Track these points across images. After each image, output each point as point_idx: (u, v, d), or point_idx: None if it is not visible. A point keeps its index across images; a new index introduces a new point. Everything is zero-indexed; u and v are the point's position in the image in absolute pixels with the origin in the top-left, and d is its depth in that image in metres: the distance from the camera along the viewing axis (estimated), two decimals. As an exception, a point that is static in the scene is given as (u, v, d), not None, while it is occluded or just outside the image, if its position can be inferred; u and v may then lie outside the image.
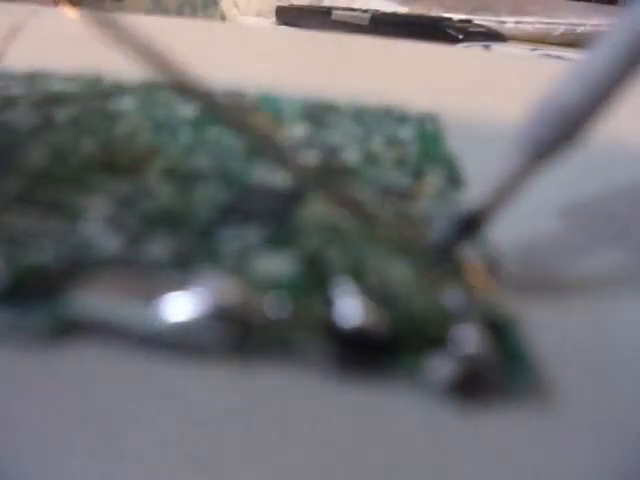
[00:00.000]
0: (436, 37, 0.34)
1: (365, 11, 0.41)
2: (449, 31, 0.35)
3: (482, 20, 0.40)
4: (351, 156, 0.13)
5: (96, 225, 0.09)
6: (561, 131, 0.09)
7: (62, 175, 0.11)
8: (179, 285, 0.08)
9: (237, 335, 0.07)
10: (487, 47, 0.32)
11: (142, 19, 0.31)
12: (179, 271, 0.08)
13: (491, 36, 0.36)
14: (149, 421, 0.06)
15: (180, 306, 0.07)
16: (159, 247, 0.09)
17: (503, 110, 0.18)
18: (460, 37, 0.35)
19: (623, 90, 0.09)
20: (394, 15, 0.42)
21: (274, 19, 0.47)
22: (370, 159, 0.13)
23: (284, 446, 0.06)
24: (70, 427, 0.06)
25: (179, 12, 0.44)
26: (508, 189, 0.09)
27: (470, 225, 0.09)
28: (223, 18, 0.48)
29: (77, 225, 0.09)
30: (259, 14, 0.49)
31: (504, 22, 0.42)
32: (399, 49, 0.27)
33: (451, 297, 0.08)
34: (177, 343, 0.07)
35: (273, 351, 0.07)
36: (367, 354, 0.07)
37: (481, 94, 0.20)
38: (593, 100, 0.09)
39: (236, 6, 0.49)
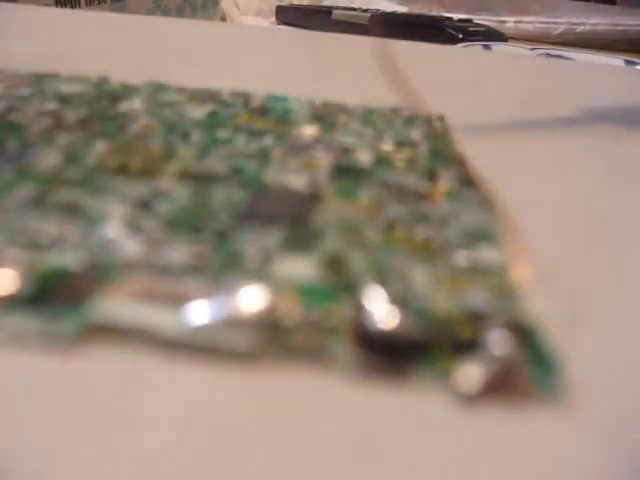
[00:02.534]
0: (436, 37, 0.34)
1: (365, 11, 0.41)
2: (449, 30, 0.35)
3: (482, 20, 0.40)
4: (363, 157, 0.13)
5: (115, 228, 0.09)
6: None
7: (76, 177, 0.11)
8: (204, 289, 0.08)
9: (264, 339, 0.07)
10: (487, 46, 0.32)
11: (142, 19, 0.32)
12: (201, 275, 0.08)
13: (491, 35, 0.36)
14: (175, 426, 0.06)
15: (206, 310, 0.07)
16: (179, 251, 0.09)
17: (504, 109, 0.18)
18: (460, 36, 0.35)
19: None
20: (394, 15, 0.42)
21: (274, 19, 0.47)
22: (382, 160, 0.13)
23: (312, 450, 0.06)
24: (95, 431, 0.06)
25: (179, 12, 0.44)
26: None
27: None
28: (223, 18, 0.48)
29: (96, 229, 0.09)
30: (259, 14, 0.49)
31: (504, 21, 0.42)
32: (399, 49, 0.27)
33: (475, 298, 0.08)
34: (204, 347, 0.07)
35: (301, 355, 0.07)
36: (397, 359, 0.07)
37: (481, 93, 0.20)
38: None
39: (236, 6, 0.49)
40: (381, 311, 0.08)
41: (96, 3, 0.37)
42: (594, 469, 0.06)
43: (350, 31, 0.34)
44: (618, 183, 0.14)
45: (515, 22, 0.42)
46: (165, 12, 0.42)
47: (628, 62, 0.31)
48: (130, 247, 0.09)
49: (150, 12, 0.41)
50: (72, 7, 0.35)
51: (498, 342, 0.07)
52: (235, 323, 0.07)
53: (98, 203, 0.10)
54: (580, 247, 0.11)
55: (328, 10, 0.43)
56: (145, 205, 0.10)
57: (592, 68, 0.27)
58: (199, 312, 0.07)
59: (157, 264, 0.08)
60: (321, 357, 0.07)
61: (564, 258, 0.10)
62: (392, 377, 0.07)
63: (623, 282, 0.10)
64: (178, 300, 0.08)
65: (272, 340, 0.07)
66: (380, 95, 0.17)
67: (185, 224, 0.10)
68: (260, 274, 0.08)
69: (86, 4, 0.36)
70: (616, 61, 0.31)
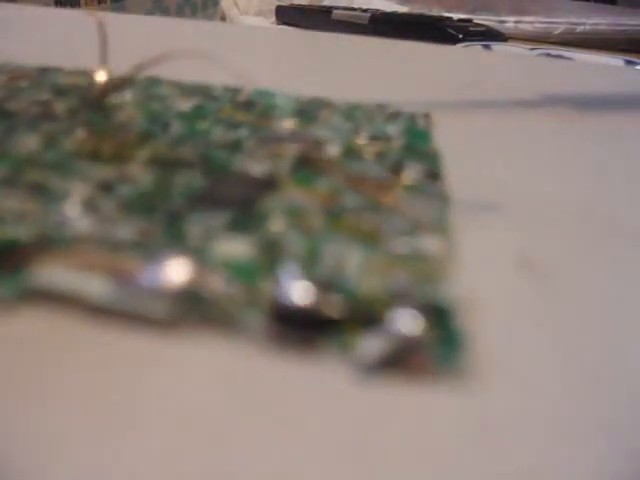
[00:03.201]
0: (436, 37, 0.34)
1: (365, 11, 0.41)
2: (449, 30, 0.35)
3: (482, 19, 0.40)
4: (333, 149, 0.13)
5: (73, 207, 0.10)
6: None
7: (50, 161, 0.11)
8: (140, 262, 0.08)
9: (185, 308, 0.08)
10: (487, 46, 0.32)
11: (142, 19, 0.32)
12: (143, 251, 0.09)
13: (491, 35, 0.36)
14: (100, 388, 0.07)
15: (134, 280, 0.08)
16: (128, 229, 0.09)
17: (503, 108, 0.18)
18: (460, 36, 0.35)
19: None
20: (394, 15, 0.42)
21: (274, 19, 0.47)
22: (351, 152, 0.13)
23: (221, 415, 0.07)
24: (28, 393, 0.07)
25: (179, 12, 0.44)
26: None
27: None
28: (223, 18, 0.48)
29: (55, 206, 0.10)
30: (259, 14, 0.49)
31: (504, 21, 0.42)
32: (399, 49, 0.27)
33: (398, 281, 0.09)
34: (129, 313, 0.08)
35: (218, 324, 0.08)
36: (306, 332, 0.08)
37: (481, 93, 0.20)
38: None
39: (236, 6, 0.49)
40: (298, 288, 0.08)
41: (96, 3, 0.37)
42: (491, 445, 0.07)
43: (350, 31, 0.34)
44: (621, 183, 0.14)
45: (515, 22, 0.42)
46: (165, 12, 0.42)
47: (628, 62, 0.31)
48: (82, 224, 0.09)
49: (150, 12, 0.41)
50: (72, 7, 0.35)
51: (404, 320, 0.08)
52: (159, 292, 0.08)
53: (63, 184, 0.10)
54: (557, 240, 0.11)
55: (328, 10, 0.43)
56: (107, 187, 0.10)
57: (592, 68, 0.27)
58: (128, 281, 0.08)
59: (105, 240, 0.09)
60: (237, 327, 0.08)
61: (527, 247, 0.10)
62: (302, 349, 0.08)
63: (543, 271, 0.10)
64: (112, 270, 0.08)
65: (192, 309, 0.08)
66: (379, 94, 0.17)
67: (141, 205, 0.10)
68: (198, 251, 0.09)
69: (86, 4, 0.36)
70: (616, 61, 0.31)
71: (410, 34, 0.34)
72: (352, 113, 0.16)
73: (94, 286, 0.08)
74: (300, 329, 0.08)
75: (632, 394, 0.08)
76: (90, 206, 0.10)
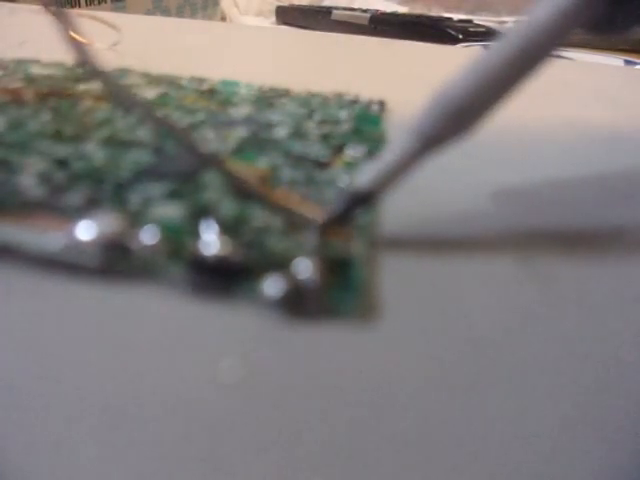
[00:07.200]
0: (436, 37, 0.34)
1: (365, 11, 0.41)
2: (449, 31, 0.35)
3: (482, 20, 0.40)
4: (280, 132, 0.14)
5: (28, 178, 0.11)
6: (451, 123, 0.09)
7: (16, 140, 0.12)
8: (77, 220, 0.09)
9: (115, 259, 0.09)
10: (487, 47, 0.32)
11: (142, 19, 0.32)
12: (88, 214, 0.10)
13: (491, 36, 0.36)
14: (28, 329, 0.08)
15: (72, 234, 0.09)
16: (76, 196, 0.10)
17: (501, 109, 0.18)
18: (460, 37, 0.35)
19: (517, 87, 0.09)
20: (394, 15, 0.42)
21: (274, 19, 0.47)
22: (298, 134, 0.14)
23: (141, 350, 0.08)
24: None
25: (179, 12, 0.43)
26: (396, 172, 0.10)
27: (357, 203, 0.10)
28: (223, 18, 0.48)
29: (12, 178, 0.11)
30: (259, 14, 0.49)
31: (504, 22, 0.42)
32: (399, 49, 0.27)
33: (311, 239, 0.10)
34: (66, 263, 0.09)
35: (144, 272, 0.09)
36: (219, 278, 0.09)
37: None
38: (485, 95, 0.09)
39: (236, 6, 0.49)
40: (212, 242, 0.09)
41: (96, 3, 0.37)
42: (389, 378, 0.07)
43: (350, 31, 0.34)
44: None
45: (515, 22, 0.42)
46: (165, 12, 0.42)
47: (628, 62, 0.31)
48: (36, 192, 0.10)
49: (150, 12, 0.41)
50: (72, 7, 0.35)
51: (303, 268, 0.09)
52: (92, 245, 0.09)
53: (23, 160, 0.11)
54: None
55: (328, 10, 0.43)
56: (62, 163, 0.11)
57: (592, 68, 0.27)
58: (64, 237, 0.09)
59: (53, 205, 0.10)
60: (160, 274, 0.09)
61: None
62: (217, 295, 0.09)
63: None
64: (53, 227, 0.09)
65: (122, 260, 0.09)
66: (379, 94, 0.17)
67: (91, 177, 0.11)
68: (135, 214, 0.10)
69: (86, 4, 0.36)
70: (616, 61, 0.31)
71: (410, 34, 0.34)
72: (309, 100, 0.16)
73: (35, 240, 0.09)
74: (216, 278, 0.09)
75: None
76: (44, 177, 0.11)
